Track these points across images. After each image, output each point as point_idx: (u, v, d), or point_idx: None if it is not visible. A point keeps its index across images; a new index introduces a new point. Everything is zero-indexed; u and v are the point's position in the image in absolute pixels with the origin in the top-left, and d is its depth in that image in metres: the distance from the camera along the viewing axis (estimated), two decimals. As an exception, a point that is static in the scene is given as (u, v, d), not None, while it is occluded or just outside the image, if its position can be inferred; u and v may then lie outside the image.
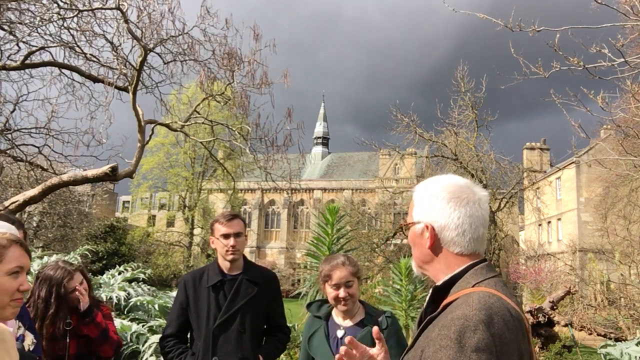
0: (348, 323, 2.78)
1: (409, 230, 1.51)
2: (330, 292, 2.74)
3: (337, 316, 2.83)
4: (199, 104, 10.03)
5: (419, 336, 1.35)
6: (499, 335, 1.21)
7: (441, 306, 1.36)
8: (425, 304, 1.47)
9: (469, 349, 1.17)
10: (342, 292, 2.70)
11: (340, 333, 2.75)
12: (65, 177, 7.27)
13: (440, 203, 1.44)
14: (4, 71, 8.01)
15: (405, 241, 1.59)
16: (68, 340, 2.91)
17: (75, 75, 8.65)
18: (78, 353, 2.96)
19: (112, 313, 7.13)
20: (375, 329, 1.51)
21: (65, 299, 2.94)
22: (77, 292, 2.95)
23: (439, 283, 1.42)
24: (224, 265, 3.07)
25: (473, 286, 1.35)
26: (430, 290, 1.43)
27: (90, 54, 8.27)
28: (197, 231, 37.65)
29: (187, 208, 37.58)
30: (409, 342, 1.58)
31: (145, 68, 8.25)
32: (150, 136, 9.08)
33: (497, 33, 5.47)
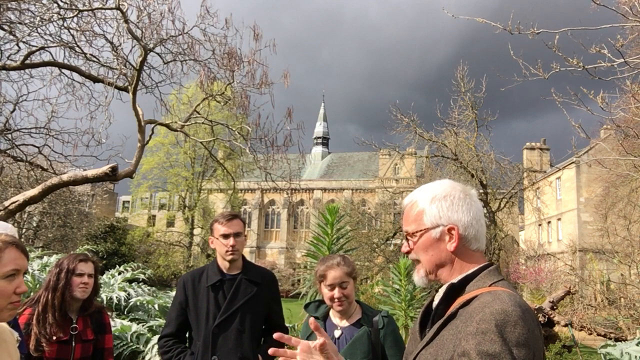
0: (345, 323, 2.79)
1: (416, 239, 1.49)
2: (325, 292, 2.75)
3: (334, 316, 2.84)
4: (199, 104, 10.02)
5: (437, 333, 1.35)
6: (532, 331, 1.25)
7: (457, 303, 1.37)
8: (436, 300, 1.46)
9: (510, 343, 1.20)
10: (336, 293, 2.71)
11: (337, 333, 2.76)
12: (65, 177, 7.26)
13: (459, 202, 1.46)
14: (4, 71, 8.01)
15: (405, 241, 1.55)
16: (74, 344, 2.94)
17: (75, 75, 8.66)
18: (82, 357, 2.98)
19: (112, 314, 7.17)
20: (311, 319, 1.47)
21: (71, 281, 2.97)
22: (82, 279, 2.99)
23: (455, 280, 1.42)
24: (224, 265, 3.07)
25: (489, 286, 1.37)
26: (445, 288, 1.43)
27: (90, 54, 8.27)
28: (197, 231, 37.65)
29: (187, 208, 37.58)
30: (407, 341, 1.58)
31: (145, 68, 8.25)
32: (150, 136, 9.08)
33: (498, 34, 5.48)
